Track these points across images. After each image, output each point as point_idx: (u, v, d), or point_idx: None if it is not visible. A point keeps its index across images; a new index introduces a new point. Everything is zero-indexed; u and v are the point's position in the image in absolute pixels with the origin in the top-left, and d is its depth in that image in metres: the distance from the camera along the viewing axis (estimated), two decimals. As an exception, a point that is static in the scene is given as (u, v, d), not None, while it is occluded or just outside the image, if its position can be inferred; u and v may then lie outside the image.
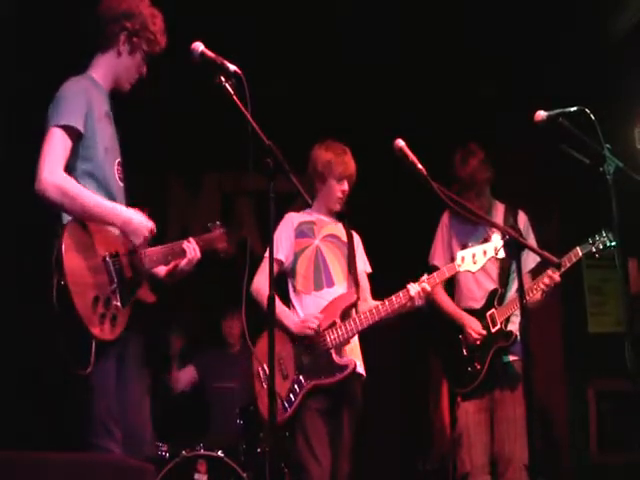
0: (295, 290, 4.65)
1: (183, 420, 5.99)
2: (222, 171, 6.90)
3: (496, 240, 4.28)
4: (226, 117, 3.46)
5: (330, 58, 6.20)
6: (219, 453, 5.34)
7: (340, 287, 4.64)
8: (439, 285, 5.15)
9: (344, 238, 4.78)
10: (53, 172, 3.37)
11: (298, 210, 4.81)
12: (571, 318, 6.58)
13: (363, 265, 4.82)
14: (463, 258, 4.32)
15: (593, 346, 6.40)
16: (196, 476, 5.29)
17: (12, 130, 5.20)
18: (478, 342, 4.91)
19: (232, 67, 3.35)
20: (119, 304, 3.39)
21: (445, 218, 5.25)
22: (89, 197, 3.43)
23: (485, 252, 4.30)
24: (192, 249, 3.80)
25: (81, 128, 3.48)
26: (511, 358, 4.94)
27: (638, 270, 6.32)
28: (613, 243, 4.73)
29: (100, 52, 3.76)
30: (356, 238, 4.85)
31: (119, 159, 3.72)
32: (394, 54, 6.20)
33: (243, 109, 3.28)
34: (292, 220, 4.70)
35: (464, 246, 4.64)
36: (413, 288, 4.49)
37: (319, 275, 4.65)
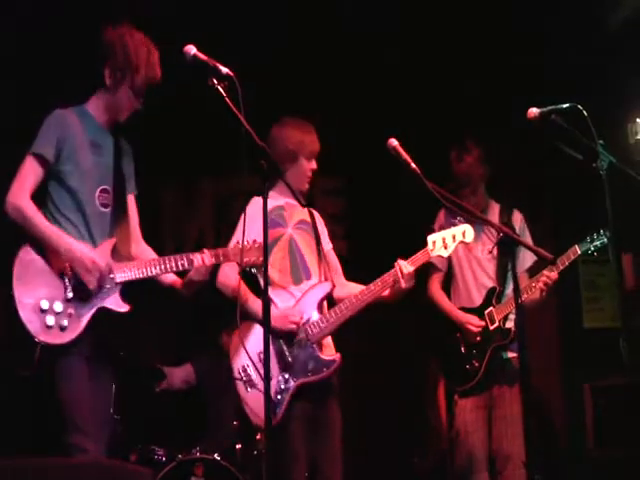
0: (271, 284, 4.30)
1: (179, 423, 5.96)
2: (215, 175, 6.88)
3: (464, 225, 4.37)
4: (218, 120, 3.45)
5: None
6: (215, 456, 5.33)
7: (316, 277, 4.49)
8: (437, 284, 5.16)
9: (309, 219, 4.61)
10: (16, 195, 3.73)
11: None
12: (566, 313, 6.60)
13: (328, 243, 4.66)
14: (434, 242, 4.35)
15: (588, 341, 6.41)
16: (193, 479, 5.27)
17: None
18: (478, 338, 4.92)
19: (224, 69, 3.34)
20: (73, 312, 3.66)
21: (441, 216, 5.25)
22: (39, 223, 3.73)
23: (454, 236, 4.39)
24: (200, 259, 3.91)
25: (50, 157, 3.77)
26: (510, 355, 4.94)
27: (632, 265, 6.33)
28: (608, 241, 4.74)
29: (98, 86, 3.93)
30: (317, 216, 4.69)
31: (104, 186, 3.91)
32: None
33: (236, 111, 3.27)
34: (260, 206, 4.18)
35: (432, 230, 4.56)
36: (405, 266, 4.30)
37: (297, 268, 4.46)
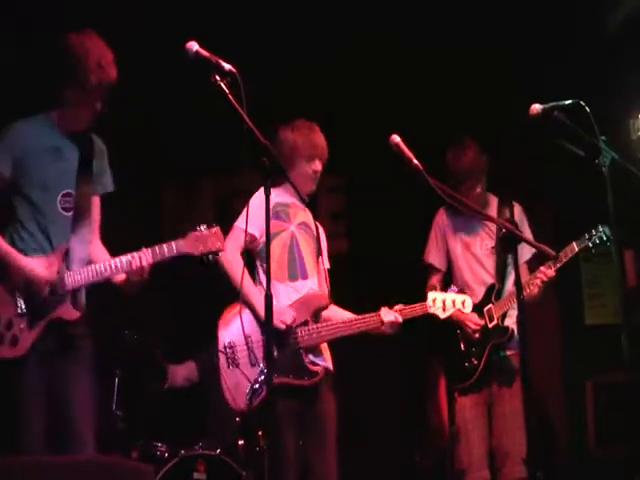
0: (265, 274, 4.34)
1: (181, 419, 5.96)
2: (216, 173, 6.87)
3: (465, 296, 4.62)
4: (220, 118, 3.45)
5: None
6: (217, 452, 5.33)
7: (312, 280, 4.52)
8: (436, 284, 5.16)
9: (313, 227, 4.61)
10: None
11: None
12: (568, 310, 6.59)
13: (326, 263, 4.68)
14: (434, 300, 4.54)
15: (590, 338, 6.41)
16: (195, 475, 5.25)
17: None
18: (477, 335, 4.92)
19: (227, 66, 3.33)
20: (24, 326, 3.74)
21: (439, 216, 5.26)
22: None
23: (454, 302, 4.60)
24: (137, 259, 3.86)
25: (5, 171, 3.82)
26: (509, 352, 4.95)
27: (635, 262, 6.33)
28: (608, 240, 4.74)
29: (56, 100, 3.94)
30: (322, 232, 4.71)
31: (67, 190, 3.93)
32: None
33: (239, 108, 3.26)
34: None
35: (434, 287, 4.77)
36: (386, 315, 4.45)
37: (294, 265, 4.49)
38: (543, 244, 3.94)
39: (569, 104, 3.75)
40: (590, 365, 6.39)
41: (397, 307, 4.50)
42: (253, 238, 4.39)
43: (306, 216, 4.61)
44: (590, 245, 4.85)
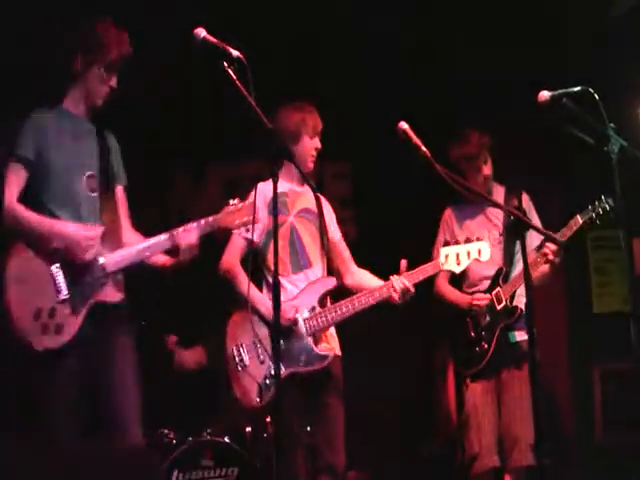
0: (270, 272, 4.41)
1: (189, 406, 5.97)
2: (224, 159, 6.87)
3: (480, 243, 4.33)
4: (227, 104, 3.45)
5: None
6: (225, 439, 5.34)
7: (317, 266, 4.51)
8: (443, 280, 5.16)
9: (314, 208, 4.57)
10: (5, 202, 3.80)
11: (266, 180, 4.08)
12: (576, 299, 6.58)
13: (338, 232, 4.68)
14: (447, 256, 4.36)
15: (598, 327, 6.41)
16: (203, 462, 5.27)
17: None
18: (487, 318, 4.92)
19: (235, 52, 3.34)
20: (67, 312, 3.71)
21: (446, 214, 5.26)
22: (31, 219, 3.80)
23: (469, 253, 4.36)
24: (185, 235, 3.90)
25: (31, 157, 3.86)
26: (519, 338, 4.94)
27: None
28: (612, 210, 4.73)
29: (69, 80, 4.00)
30: (325, 205, 4.66)
31: (90, 172, 3.97)
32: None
33: (247, 94, 3.27)
34: (264, 193, 4.20)
35: (447, 243, 4.54)
36: (397, 282, 4.39)
37: (296, 257, 4.47)
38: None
39: (577, 91, 3.73)
40: (598, 353, 6.39)
41: (407, 273, 4.43)
42: (251, 242, 4.33)
43: (306, 200, 4.58)
44: (594, 216, 4.83)
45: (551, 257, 4.77)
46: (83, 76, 3.95)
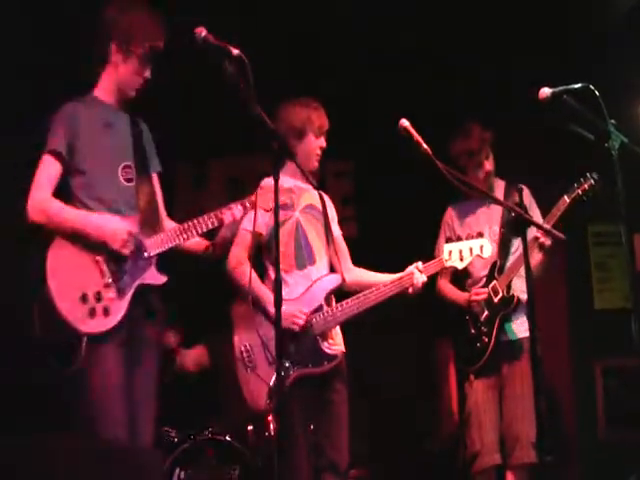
0: (274, 267, 4.16)
1: (191, 404, 5.98)
2: (226, 156, 6.87)
3: (482, 240, 4.35)
4: (229, 102, 3.45)
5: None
6: (227, 437, 5.35)
7: (322, 263, 4.48)
8: (444, 280, 5.16)
9: (319, 205, 4.55)
10: (34, 197, 3.76)
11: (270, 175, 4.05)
12: (577, 295, 6.59)
13: (338, 230, 4.66)
14: (450, 253, 4.36)
15: (599, 322, 6.41)
16: (205, 461, 5.28)
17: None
18: (486, 312, 4.92)
19: (235, 51, 3.35)
20: (113, 295, 3.68)
21: (447, 215, 5.26)
22: (66, 214, 3.76)
23: (471, 249, 4.36)
24: (229, 214, 3.95)
25: (64, 151, 3.80)
26: (519, 335, 4.94)
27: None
28: (597, 183, 4.72)
29: (101, 68, 3.96)
30: (327, 201, 4.65)
31: (126, 163, 3.94)
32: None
33: (247, 93, 3.27)
34: (271, 189, 4.15)
35: (449, 239, 4.55)
36: (419, 276, 4.39)
37: (301, 253, 4.42)
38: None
39: (578, 88, 3.73)
40: (599, 349, 6.40)
41: (416, 270, 4.43)
42: (259, 236, 4.35)
43: (311, 196, 4.56)
44: (580, 193, 4.81)
45: (542, 240, 4.76)
46: (117, 66, 3.91)
